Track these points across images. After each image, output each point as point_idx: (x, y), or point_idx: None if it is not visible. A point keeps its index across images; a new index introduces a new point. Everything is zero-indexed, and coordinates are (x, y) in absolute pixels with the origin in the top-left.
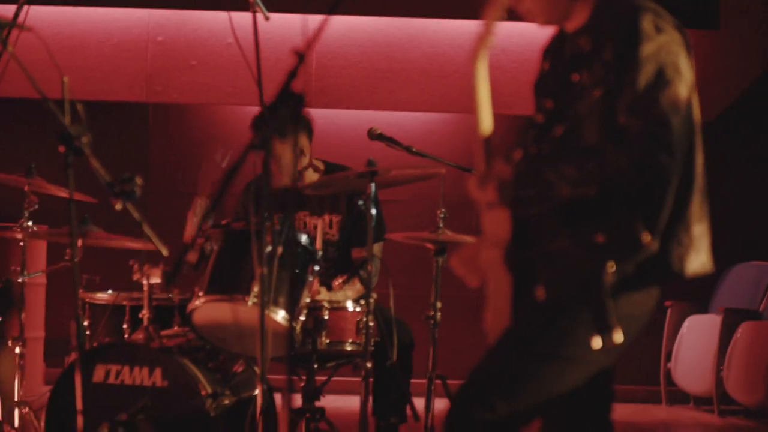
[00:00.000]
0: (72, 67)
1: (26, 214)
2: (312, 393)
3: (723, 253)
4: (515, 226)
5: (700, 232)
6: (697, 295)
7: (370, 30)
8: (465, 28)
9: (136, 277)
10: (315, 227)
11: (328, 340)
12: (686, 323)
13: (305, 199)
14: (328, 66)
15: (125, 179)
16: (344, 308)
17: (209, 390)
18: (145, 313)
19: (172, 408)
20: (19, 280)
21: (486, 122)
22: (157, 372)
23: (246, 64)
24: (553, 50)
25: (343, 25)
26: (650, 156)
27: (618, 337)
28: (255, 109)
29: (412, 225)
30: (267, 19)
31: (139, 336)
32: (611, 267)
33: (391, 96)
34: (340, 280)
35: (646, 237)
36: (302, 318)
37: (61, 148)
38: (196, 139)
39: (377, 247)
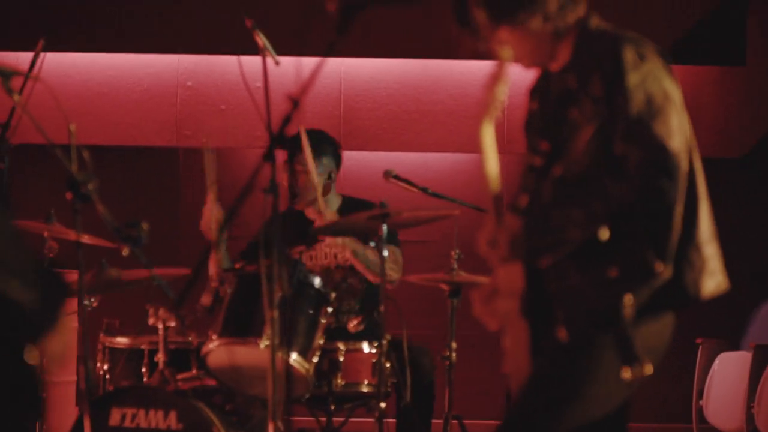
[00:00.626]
0: (102, 113)
1: (46, 260)
2: None
3: (753, 290)
4: (528, 273)
5: (711, 253)
6: (729, 332)
7: (397, 72)
8: (490, 68)
9: (151, 321)
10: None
11: (343, 382)
12: (717, 360)
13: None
14: (356, 108)
15: (131, 224)
16: (360, 350)
17: None
18: (160, 357)
19: None
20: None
21: (495, 181)
22: (172, 415)
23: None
24: (539, 90)
25: (370, 67)
26: (651, 182)
27: (648, 368)
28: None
29: (427, 267)
30: (277, 63)
31: (154, 379)
32: (629, 300)
33: (418, 137)
34: (355, 322)
35: (659, 266)
36: (315, 360)
37: (69, 195)
38: (226, 182)
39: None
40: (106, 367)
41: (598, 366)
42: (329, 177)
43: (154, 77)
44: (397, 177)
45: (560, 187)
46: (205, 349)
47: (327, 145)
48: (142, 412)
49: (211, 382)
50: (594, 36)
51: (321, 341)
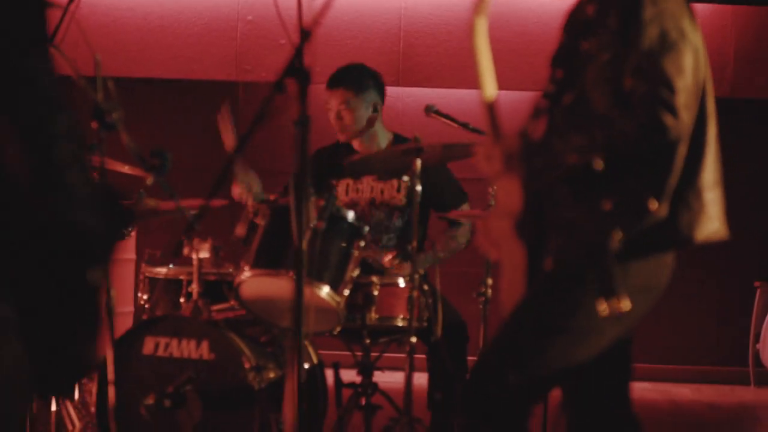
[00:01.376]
0: (162, 46)
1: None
2: (365, 368)
3: None
4: (528, 196)
5: (711, 199)
6: None
7: (457, 8)
8: (552, 6)
9: (186, 251)
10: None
11: (377, 316)
12: None
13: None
14: (415, 45)
15: (156, 153)
16: (395, 284)
17: (253, 363)
18: (194, 287)
19: (218, 380)
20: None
21: (489, 87)
22: (204, 345)
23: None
24: (570, 22)
25: (430, 3)
26: (655, 118)
27: (625, 304)
28: None
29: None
30: None
31: (188, 309)
32: (617, 234)
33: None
34: (390, 256)
35: (653, 203)
36: (346, 293)
37: (94, 124)
38: (285, 117)
39: (466, 208)
40: (146, 296)
41: (583, 298)
42: (374, 110)
43: (215, 11)
44: (437, 112)
45: (568, 114)
46: (237, 280)
47: (369, 79)
48: (174, 342)
49: (245, 313)
50: None
51: (354, 274)
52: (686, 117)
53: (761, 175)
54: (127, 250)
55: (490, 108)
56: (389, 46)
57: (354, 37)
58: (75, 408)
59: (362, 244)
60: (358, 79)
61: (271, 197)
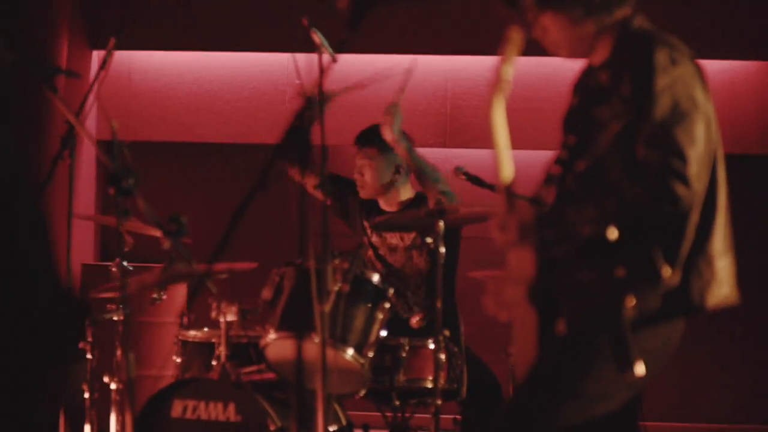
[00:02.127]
0: (213, 111)
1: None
2: (395, 429)
3: None
4: (540, 264)
5: (723, 266)
6: None
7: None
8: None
9: (213, 314)
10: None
11: (405, 378)
12: None
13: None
14: (463, 106)
15: (172, 218)
16: (424, 346)
17: (278, 425)
18: (221, 350)
19: None
20: (115, 318)
21: (507, 168)
22: (231, 407)
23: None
24: (580, 85)
25: (478, 64)
26: (667, 188)
27: (640, 370)
28: None
29: (489, 262)
30: (335, 60)
31: (215, 372)
32: (631, 301)
33: (525, 134)
34: (418, 318)
35: (667, 271)
36: (371, 354)
37: (111, 190)
38: None
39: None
40: (179, 360)
41: (594, 364)
42: (397, 171)
43: (264, 75)
44: (466, 174)
45: (581, 182)
46: (263, 343)
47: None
48: (202, 404)
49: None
50: (633, 36)
51: (380, 335)
52: (698, 186)
53: None
54: (167, 313)
55: (507, 188)
56: (436, 107)
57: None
58: None
59: (387, 305)
60: (378, 137)
61: (298, 261)
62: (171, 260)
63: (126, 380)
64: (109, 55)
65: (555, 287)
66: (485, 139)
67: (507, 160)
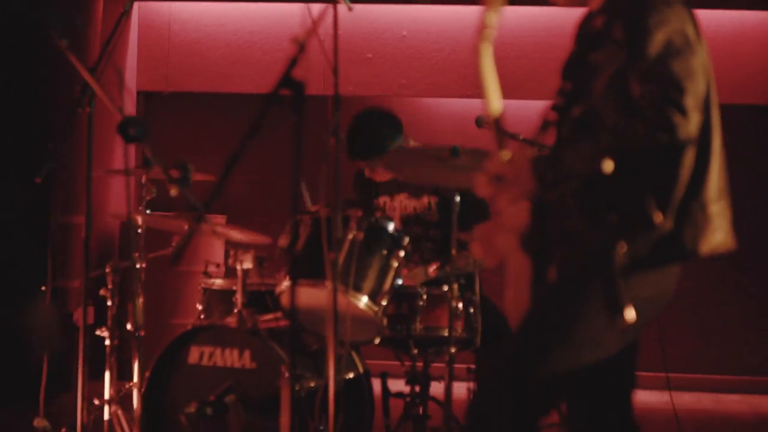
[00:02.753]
0: (252, 61)
1: (144, 203)
2: (412, 377)
3: None
4: (534, 209)
5: (717, 211)
6: None
7: (543, 20)
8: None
9: (230, 262)
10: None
11: (423, 326)
12: None
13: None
14: (502, 57)
15: (179, 166)
16: (440, 294)
17: (293, 372)
18: (238, 297)
19: (260, 389)
20: (137, 266)
21: (495, 104)
22: (246, 354)
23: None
24: (581, 32)
25: (517, 15)
26: (664, 116)
27: (630, 316)
28: (427, 101)
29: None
30: (350, 9)
31: (233, 319)
32: (622, 247)
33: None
34: (434, 267)
35: (659, 216)
36: (384, 303)
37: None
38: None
39: None
40: (201, 307)
41: (585, 309)
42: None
43: (305, 24)
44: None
45: (577, 127)
46: (278, 290)
47: (386, 139)
48: (218, 351)
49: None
50: None
51: (396, 284)
52: (695, 118)
53: None
54: (194, 262)
55: (497, 123)
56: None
57: (440, 50)
58: (126, 418)
59: (402, 254)
60: (378, 147)
61: (313, 208)
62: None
63: (134, 327)
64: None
65: (547, 234)
66: (523, 90)
67: (495, 99)
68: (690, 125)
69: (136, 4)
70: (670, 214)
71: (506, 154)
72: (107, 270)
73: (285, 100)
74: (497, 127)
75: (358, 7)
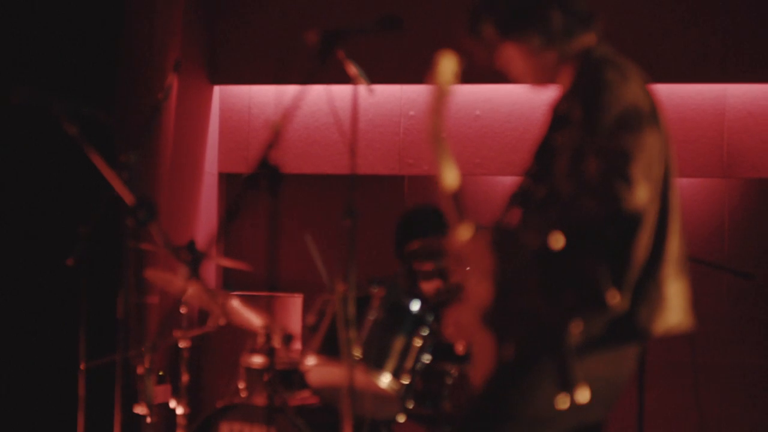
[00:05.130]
0: (329, 143)
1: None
2: None
3: None
4: (496, 287)
5: (674, 291)
6: None
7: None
8: (707, 93)
9: (260, 341)
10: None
11: (452, 405)
12: None
13: None
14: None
15: (189, 248)
16: (469, 372)
17: None
18: (267, 375)
19: None
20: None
21: (450, 178)
22: (273, 431)
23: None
24: (552, 116)
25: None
26: (610, 187)
27: (583, 396)
28: (508, 179)
29: None
30: (371, 92)
31: (262, 397)
32: (577, 326)
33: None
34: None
35: (614, 296)
36: (406, 381)
37: (130, 221)
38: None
39: None
40: (242, 386)
41: (537, 388)
42: None
43: (378, 107)
44: None
45: (541, 207)
46: (304, 368)
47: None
48: (247, 428)
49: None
50: (594, 63)
51: (424, 361)
52: (642, 188)
53: None
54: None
55: (455, 197)
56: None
57: (514, 129)
58: None
59: (425, 333)
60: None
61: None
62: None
63: (147, 409)
64: (169, 88)
65: (508, 312)
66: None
67: (451, 173)
68: (636, 195)
69: (216, 88)
70: (626, 294)
71: (465, 231)
72: (142, 349)
73: (262, 183)
74: (456, 202)
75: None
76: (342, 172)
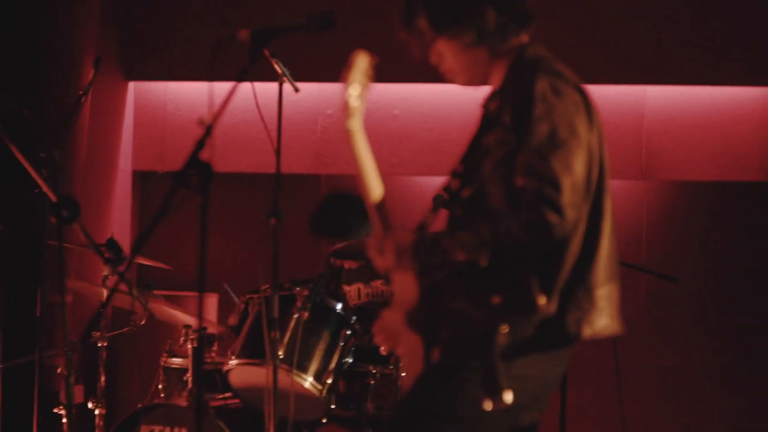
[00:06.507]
0: (246, 140)
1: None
2: None
3: None
4: (423, 288)
5: (603, 295)
6: None
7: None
8: (627, 94)
9: (181, 341)
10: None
11: (374, 405)
12: None
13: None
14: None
15: (109, 246)
16: (392, 373)
17: None
18: (188, 376)
19: None
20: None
21: (375, 188)
22: None
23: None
24: (481, 113)
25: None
26: (540, 217)
27: (507, 398)
28: (425, 180)
29: None
30: (297, 90)
31: (183, 398)
32: (504, 329)
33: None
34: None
35: (542, 300)
36: (329, 382)
37: (53, 219)
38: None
39: None
40: (161, 386)
41: (463, 390)
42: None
43: (296, 105)
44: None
45: (466, 209)
46: (225, 369)
47: (355, 223)
48: (167, 429)
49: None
50: (524, 65)
51: (347, 362)
52: (572, 214)
53: None
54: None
55: (379, 207)
56: (467, 136)
57: (432, 129)
58: None
59: (348, 333)
60: (344, 230)
61: (263, 287)
62: (148, 286)
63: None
64: (89, 85)
65: (433, 314)
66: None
67: (375, 184)
68: (565, 223)
69: (131, 84)
70: (554, 298)
71: (391, 239)
72: (62, 349)
73: (192, 180)
74: (380, 209)
75: None
76: (260, 170)
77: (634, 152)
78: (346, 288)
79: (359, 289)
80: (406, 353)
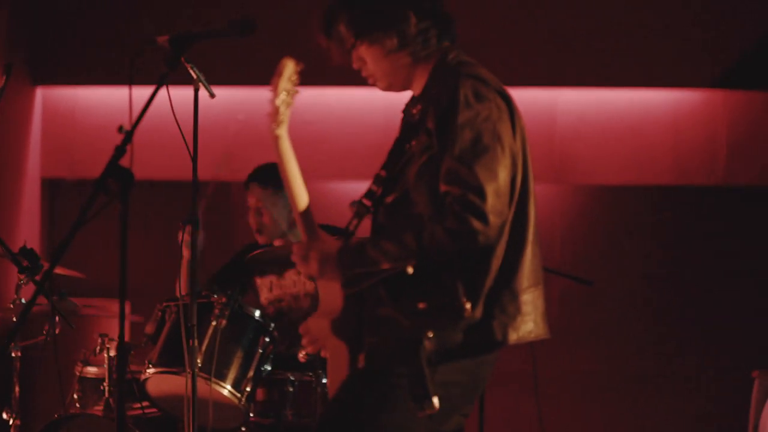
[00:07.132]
0: (157, 147)
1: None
2: None
3: None
4: (349, 297)
5: (528, 300)
6: None
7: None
8: (539, 98)
9: (97, 349)
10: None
11: (293, 412)
12: None
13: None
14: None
15: (25, 253)
16: (311, 380)
17: None
18: (105, 385)
19: None
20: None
21: (302, 197)
22: None
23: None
24: (403, 118)
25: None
26: (464, 224)
27: (434, 404)
28: (339, 185)
29: None
30: (212, 96)
31: (100, 408)
32: (430, 335)
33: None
34: (304, 352)
35: (467, 305)
36: (249, 389)
37: None
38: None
39: None
40: (76, 396)
41: (389, 396)
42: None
43: (207, 110)
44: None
45: (390, 215)
46: (142, 377)
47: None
48: None
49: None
50: (448, 69)
51: (265, 369)
52: (496, 221)
53: (756, 264)
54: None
55: (304, 214)
56: (381, 140)
57: (346, 134)
58: None
59: (267, 340)
60: (276, 176)
61: (178, 294)
62: (62, 295)
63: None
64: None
65: (359, 321)
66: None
67: (301, 192)
68: (489, 230)
69: (38, 90)
70: (480, 303)
71: (316, 247)
72: None
73: (112, 188)
74: (306, 217)
75: (260, 91)
76: (171, 177)
77: (546, 156)
78: (258, 281)
79: (271, 282)
80: (331, 360)
